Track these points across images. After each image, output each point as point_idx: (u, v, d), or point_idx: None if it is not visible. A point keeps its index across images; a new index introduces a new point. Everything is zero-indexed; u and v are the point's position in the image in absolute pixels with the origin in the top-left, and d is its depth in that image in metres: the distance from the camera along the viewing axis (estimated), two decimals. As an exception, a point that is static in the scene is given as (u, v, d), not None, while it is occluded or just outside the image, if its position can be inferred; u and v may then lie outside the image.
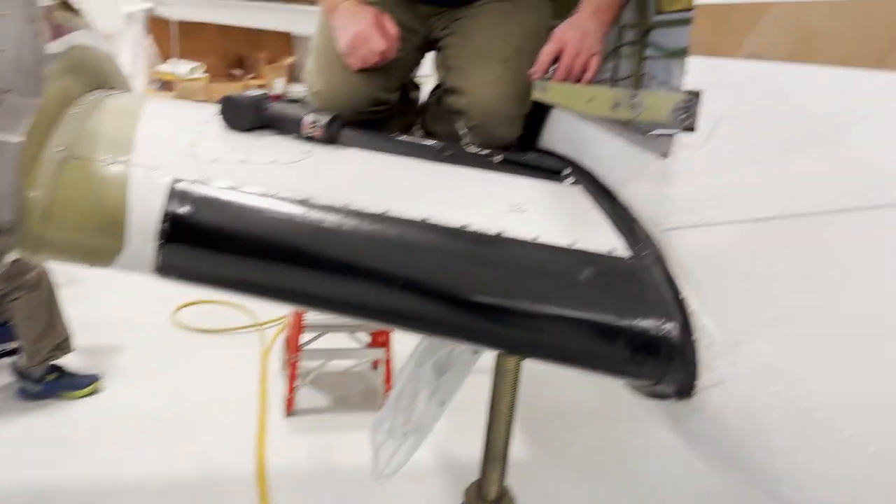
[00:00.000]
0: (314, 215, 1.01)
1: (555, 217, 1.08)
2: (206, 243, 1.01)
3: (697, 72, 0.89)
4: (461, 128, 1.58)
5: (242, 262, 1.01)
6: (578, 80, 1.33)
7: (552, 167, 1.29)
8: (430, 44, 1.73)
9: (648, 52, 4.38)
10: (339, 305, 1.03)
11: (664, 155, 0.98)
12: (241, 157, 1.13)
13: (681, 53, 3.42)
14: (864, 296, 0.63)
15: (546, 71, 1.33)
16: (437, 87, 1.81)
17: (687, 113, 0.91)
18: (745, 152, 0.79)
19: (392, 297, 0.98)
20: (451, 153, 1.34)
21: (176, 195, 1.00)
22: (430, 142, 1.43)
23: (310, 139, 1.23)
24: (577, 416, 2.92)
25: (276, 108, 1.24)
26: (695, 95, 0.90)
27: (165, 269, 1.01)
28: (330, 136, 1.23)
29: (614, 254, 0.99)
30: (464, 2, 1.64)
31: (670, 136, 0.97)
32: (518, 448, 2.64)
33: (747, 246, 0.79)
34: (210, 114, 1.24)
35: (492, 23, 1.59)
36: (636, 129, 1.17)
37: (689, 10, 4.14)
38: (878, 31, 0.64)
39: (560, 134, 1.42)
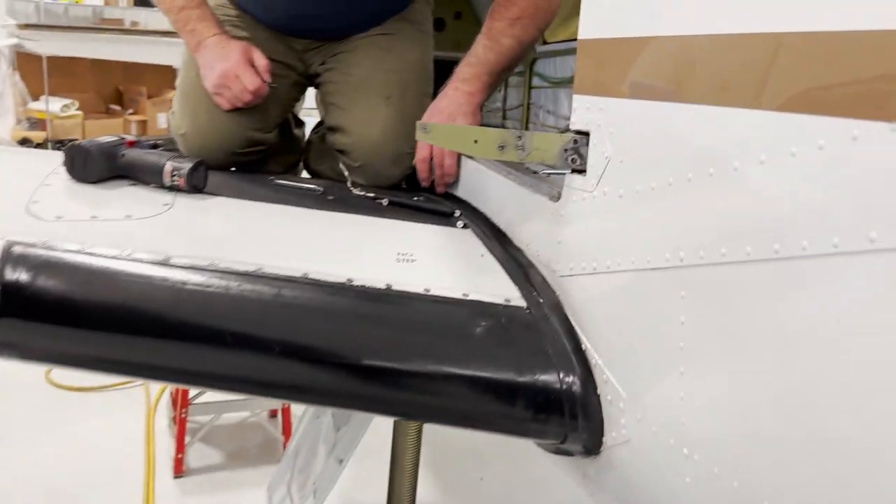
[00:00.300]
0: (176, 277, 0.89)
1: (447, 265, 1.01)
2: (48, 316, 0.88)
3: (583, 111, 0.84)
4: (346, 168, 1.49)
5: (92, 336, 0.88)
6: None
7: (442, 210, 1.22)
8: (310, 79, 1.64)
9: (535, 81, 4.45)
10: (210, 380, 0.92)
11: (555, 198, 0.92)
12: (89, 213, 1.00)
13: (567, 82, 3.46)
14: (772, 353, 0.59)
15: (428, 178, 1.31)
16: (321, 124, 1.72)
17: (576, 154, 0.86)
18: (637, 197, 0.74)
19: (269, 366, 0.88)
20: (334, 197, 1.24)
21: (10, 260, 0.87)
22: (311, 184, 1.33)
23: (172, 189, 1.11)
24: (489, 451, 2.86)
25: (133, 154, 1.12)
26: (583, 136, 0.85)
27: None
28: (195, 185, 1.11)
29: (511, 303, 0.92)
30: (340, 35, 1.56)
31: (561, 178, 0.91)
32: (425, 489, 2.54)
33: (647, 295, 0.74)
34: (55, 163, 1.10)
35: (372, 57, 1.52)
36: (526, 170, 1.12)
37: (571, 40, 4.23)
38: (753, 67, 0.60)
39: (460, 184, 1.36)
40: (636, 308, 0.76)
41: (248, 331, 0.89)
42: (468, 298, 0.92)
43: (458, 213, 1.21)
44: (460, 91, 1.34)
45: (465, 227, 1.15)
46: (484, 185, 1.19)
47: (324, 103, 1.61)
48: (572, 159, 0.86)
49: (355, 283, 0.93)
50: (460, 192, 1.34)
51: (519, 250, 1.02)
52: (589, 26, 0.83)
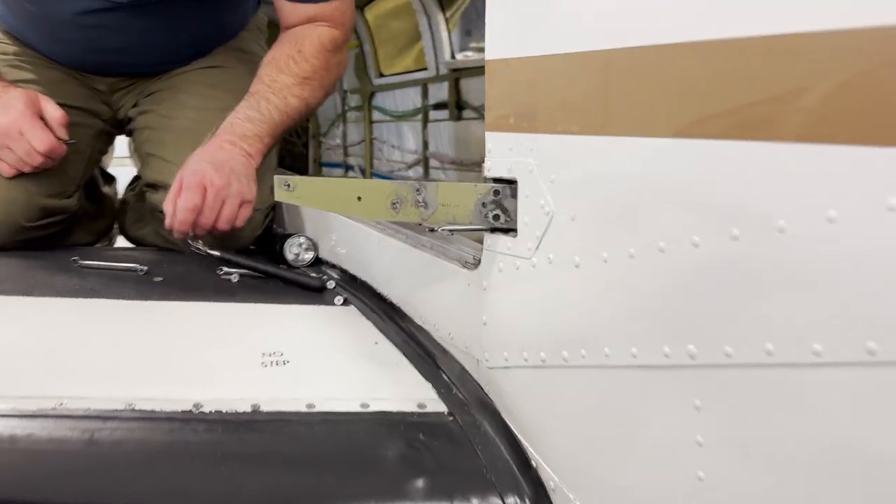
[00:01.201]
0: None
1: (332, 363, 0.76)
2: None
3: (503, 153, 0.64)
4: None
5: None
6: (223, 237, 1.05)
7: (310, 283, 0.96)
8: (119, 126, 1.33)
9: (375, 115, 4.26)
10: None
11: (471, 264, 0.71)
12: None
13: (410, 115, 3.30)
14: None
15: (188, 231, 1.02)
16: (137, 179, 1.41)
17: (498, 209, 0.65)
18: (606, 267, 0.54)
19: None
20: (164, 278, 0.96)
21: None
22: (130, 262, 1.03)
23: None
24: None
25: None
26: (506, 185, 0.65)
27: None
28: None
29: (427, 410, 0.69)
30: (156, 71, 1.27)
31: (472, 234, 0.71)
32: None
33: (638, 402, 0.54)
34: None
35: (198, 95, 1.24)
36: (417, 224, 0.90)
37: (407, 72, 4.07)
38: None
39: (318, 229, 1.10)
40: (605, 413, 0.56)
41: (54, 499, 0.60)
42: (369, 411, 0.68)
43: (331, 283, 0.97)
44: (238, 149, 1.08)
45: (345, 302, 0.90)
46: (362, 244, 0.96)
47: (140, 154, 1.31)
48: (494, 215, 0.65)
49: (206, 408, 0.66)
50: (326, 252, 1.09)
51: (423, 331, 0.80)
52: (503, 41, 0.63)
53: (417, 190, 0.68)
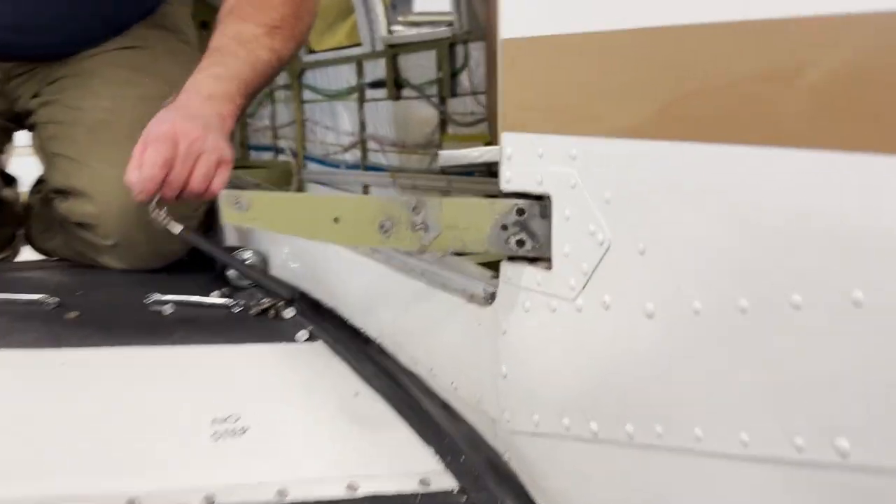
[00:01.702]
0: None
1: (303, 426, 0.60)
2: None
3: (531, 162, 0.49)
4: (92, 249, 1.00)
5: None
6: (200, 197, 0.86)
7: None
8: (18, 119, 1.12)
9: (307, 94, 4.02)
10: None
11: (484, 299, 0.56)
12: None
13: (344, 94, 3.10)
14: None
15: (155, 192, 0.83)
16: (42, 182, 1.20)
17: (524, 233, 0.50)
18: (686, 316, 0.40)
19: None
20: (80, 313, 0.77)
21: None
22: (34, 293, 0.83)
23: None
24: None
25: None
26: (535, 202, 0.50)
27: None
28: None
29: (431, 489, 0.54)
30: (59, 53, 1.06)
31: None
32: None
33: (714, 497, 0.40)
34: None
35: (114, 82, 1.05)
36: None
37: (341, 48, 3.85)
38: None
39: (269, 239, 0.93)
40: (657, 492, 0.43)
41: None
42: (359, 496, 0.53)
43: (291, 311, 0.80)
44: (208, 106, 0.90)
45: (310, 338, 0.74)
46: (329, 262, 0.79)
47: (45, 153, 1.10)
48: (518, 241, 0.50)
49: (144, 502, 0.50)
50: (280, 268, 0.92)
51: (415, 378, 0.64)
52: (528, 14, 0.48)
53: (415, 208, 0.52)
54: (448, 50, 2.93)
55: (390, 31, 3.37)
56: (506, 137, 0.51)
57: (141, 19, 1.10)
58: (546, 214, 0.49)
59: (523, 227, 0.50)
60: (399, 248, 0.60)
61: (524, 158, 0.49)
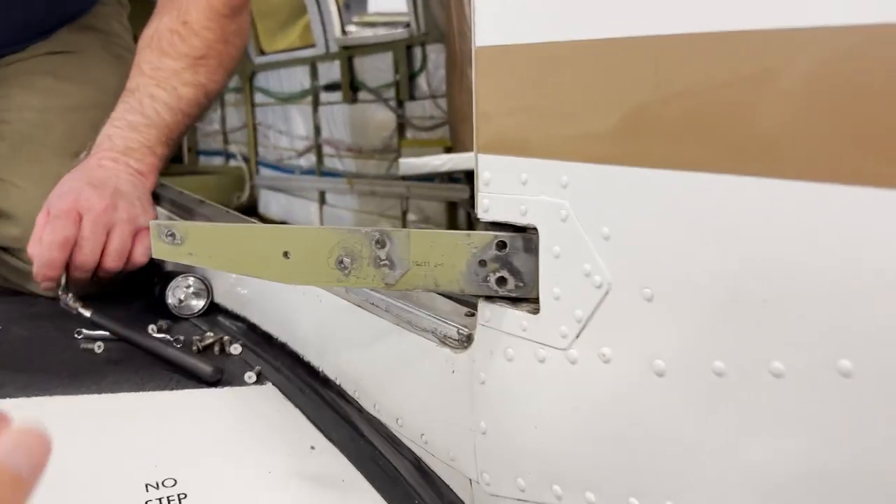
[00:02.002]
0: None
1: (251, 491, 0.53)
2: None
3: (512, 189, 0.42)
4: (22, 273, 0.91)
5: None
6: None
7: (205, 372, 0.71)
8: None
9: (258, 97, 3.92)
10: None
11: (458, 342, 0.49)
12: None
13: (298, 97, 3.00)
14: None
15: (57, 276, 0.76)
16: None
17: (505, 271, 0.43)
18: (706, 378, 0.34)
19: None
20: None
21: None
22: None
23: None
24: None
25: None
26: (519, 234, 0.43)
27: None
28: None
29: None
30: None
31: (470, 310, 0.49)
32: None
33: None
34: None
35: (38, 91, 0.95)
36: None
37: (293, 49, 3.76)
38: None
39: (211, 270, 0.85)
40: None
41: None
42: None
43: (237, 346, 0.72)
44: (123, 166, 0.83)
45: (259, 378, 0.66)
46: (280, 291, 0.71)
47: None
48: (498, 279, 0.44)
49: None
50: (224, 296, 0.84)
51: (379, 426, 0.57)
52: (505, 19, 0.41)
53: (378, 241, 0.45)
54: (405, 52, 2.86)
55: (345, 32, 3.29)
56: (483, 160, 0.44)
57: (67, 21, 1.00)
58: (531, 249, 0.42)
59: (505, 263, 0.43)
60: (360, 287, 0.53)
61: (505, 185, 0.43)
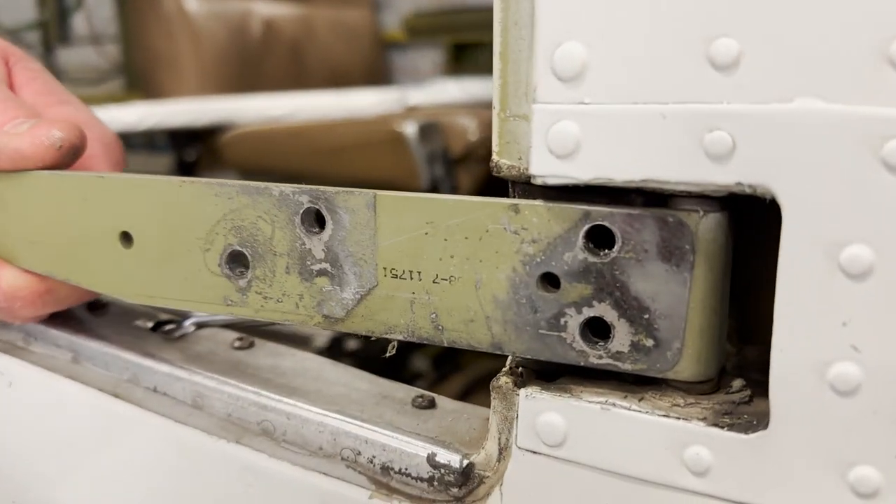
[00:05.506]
0: None
1: None
2: None
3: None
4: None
5: None
6: None
7: None
8: None
9: None
10: None
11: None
12: None
13: None
14: None
15: None
16: None
17: (609, 302, 0.19)
18: None
19: None
20: None
21: None
22: None
23: None
24: None
25: None
26: (677, 210, 0.19)
27: None
28: None
29: None
30: None
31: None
32: None
33: None
34: None
35: None
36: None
37: None
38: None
39: None
40: None
41: None
42: None
43: None
44: None
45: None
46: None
47: None
48: (592, 325, 0.19)
49: None
50: None
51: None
52: None
53: (310, 216, 0.17)
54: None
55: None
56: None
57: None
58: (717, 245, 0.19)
59: (606, 282, 0.19)
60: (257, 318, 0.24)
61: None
